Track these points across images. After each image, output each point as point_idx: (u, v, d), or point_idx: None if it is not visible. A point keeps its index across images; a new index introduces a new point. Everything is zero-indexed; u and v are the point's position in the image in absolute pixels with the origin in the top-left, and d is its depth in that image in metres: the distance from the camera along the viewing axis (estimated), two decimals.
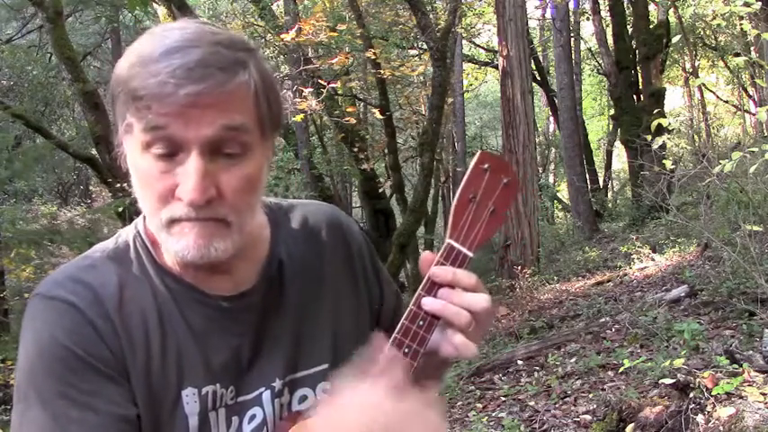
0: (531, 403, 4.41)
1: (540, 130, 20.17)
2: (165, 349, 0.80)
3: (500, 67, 9.50)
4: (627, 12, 13.08)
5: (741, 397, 2.78)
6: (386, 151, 12.17)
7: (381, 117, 11.29)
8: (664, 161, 4.93)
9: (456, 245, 0.80)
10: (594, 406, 3.84)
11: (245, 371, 0.85)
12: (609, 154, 19.04)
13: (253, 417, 0.85)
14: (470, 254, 0.81)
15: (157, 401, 0.79)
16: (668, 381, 3.11)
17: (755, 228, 4.44)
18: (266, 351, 0.86)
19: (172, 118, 0.71)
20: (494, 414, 4.47)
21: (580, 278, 8.53)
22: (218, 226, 0.76)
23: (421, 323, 0.79)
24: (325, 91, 9.07)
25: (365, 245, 1.00)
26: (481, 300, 0.80)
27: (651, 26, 12.35)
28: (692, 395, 2.94)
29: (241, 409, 0.84)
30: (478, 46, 18.94)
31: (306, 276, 0.91)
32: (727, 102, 19.92)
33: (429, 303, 0.80)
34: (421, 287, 0.80)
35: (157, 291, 0.82)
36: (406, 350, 0.79)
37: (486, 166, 0.81)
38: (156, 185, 0.74)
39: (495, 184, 0.82)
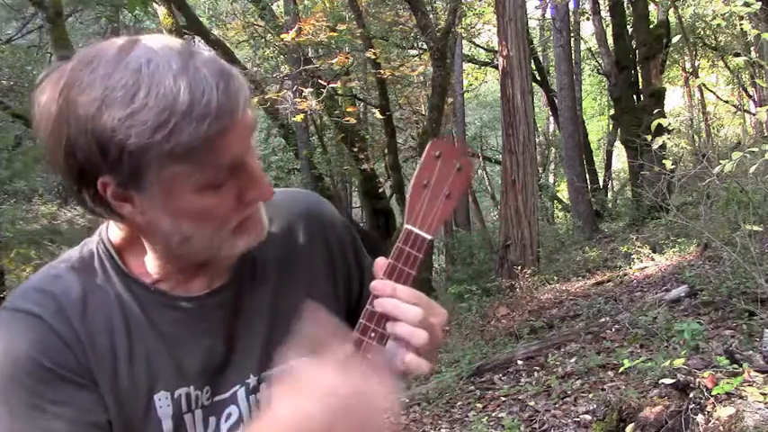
0: (531, 403, 4.41)
1: (540, 130, 20.16)
2: (133, 356, 0.80)
3: (500, 67, 9.49)
4: (627, 12, 13.08)
5: (741, 397, 2.77)
6: (386, 151, 12.17)
7: (381, 117, 11.30)
8: (664, 161, 4.93)
9: (414, 229, 0.83)
10: (594, 406, 3.84)
11: (220, 370, 0.85)
12: (609, 154, 19.04)
13: (229, 415, 0.85)
14: (429, 236, 0.83)
15: (128, 408, 0.79)
16: (668, 381, 3.11)
17: (755, 228, 4.44)
18: (239, 348, 0.86)
19: (239, 145, 0.73)
20: (494, 414, 4.47)
21: (580, 278, 8.53)
22: (261, 206, 0.82)
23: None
24: (325, 91, 9.07)
25: (346, 234, 0.99)
26: (415, 312, 0.78)
27: (651, 26, 12.36)
28: (692, 395, 2.94)
29: (218, 408, 0.84)
30: (478, 46, 18.94)
31: (279, 272, 0.90)
32: (727, 102, 19.91)
33: (390, 328, 0.79)
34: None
35: (122, 298, 0.82)
36: (367, 346, 0.80)
37: (437, 153, 0.84)
38: (221, 208, 0.75)
39: (449, 170, 0.85)
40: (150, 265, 0.83)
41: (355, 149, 10.98)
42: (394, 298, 0.79)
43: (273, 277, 0.90)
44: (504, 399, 4.72)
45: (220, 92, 0.69)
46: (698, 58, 17.53)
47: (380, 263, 0.81)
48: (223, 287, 0.86)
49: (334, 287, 0.95)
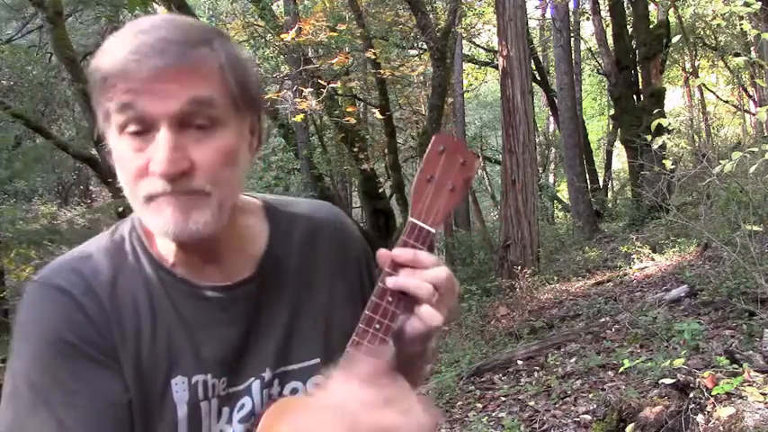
0: (531, 403, 4.41)
1: (540, 130, 20.16)
2: (156, 338, 0.81)
3: (500, 67, 9.49)
4: (627, 12, 13.08)
5: (741, 397, 2.78)
6: (386, 151, 12.16)
7: (381, 117, 11.29)
8: (664, 161, 4.93)
9: (418, 222, 0.84)
10: (594, 406, 3.84)
11: (237, 361, 0.86)
12: (609, 154, 19.04)
13: (242, 406, 0.86)
14: (433, 230, 0.84)
15: (147, 388, 0.80)
16: (668, 381, 3.11)
17: (755, 228, 4.44)
18: (257, 342, 0.87)
19: (138, 94, 0.74)
20: (494, 414, 4.47)
21: (580, 278, 8.53)
22: (196, 198, 0.77)
23: (390, 299, 0.82)
24: (325, 91, 9.07)
25: (363, 249, 1.01)
26: (440, 272, 0.83)
27: (651, 26, 12.35)
28: (692, 395, 2.94)
29: (232, 399, 0.85)
30: (478, 46, 18.94)
31: (302, 275, 0.92)
32: (727, 102, 19.92)
33: (392, 281, 0.82)
34: (387, 266, 0.84)
35: (150, 282, 0.83)
36: (378, 326, 0.82)
37: (441, 148, 0.86)
38: (131, 164, 0.76)
39: (452, 165, 0.86)
40: (159, 244, 0.85)
41: (355, 149, 10.97)
42: (415, 261, 0.82)
43: (295, 278, 0.91)
44: (504, 399, 4.72)
45: (154, 39, 0.74)
46: (698, 58, 17.54)
47: (384, 253, 0.83)
48: (248, 280, 0.87)
49: (352, 294, 0.97)
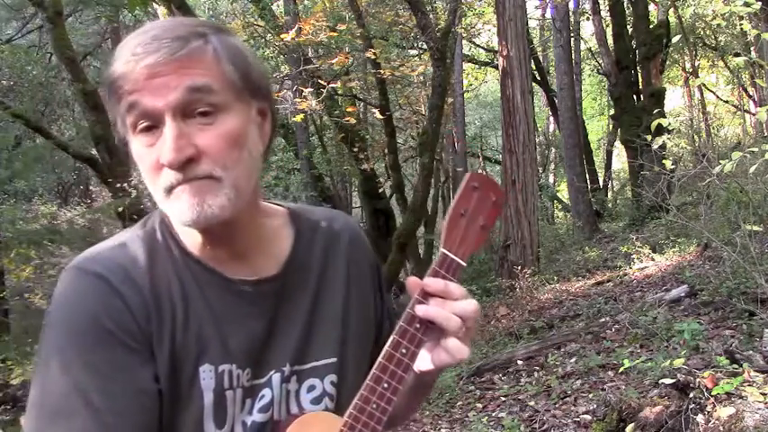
0: (531, 403, 4.41)
1: (540, 130, 20.15)
2: (188, 325, 0.84)
3: (500, 67, 9.49)
4: (627, 12, 13.08)
5: (741, 397, 2.77)
6: (386, 151, 12.16)
7: (381, 117, 11.28)
8: (664, 161, 4.93)
9: (450, 254, 0.88)
10: (594, 406, 3.84)
11: (261, 354, 0.89)
12: (609, 154, 19.03)
13: (262, 397, 0.89)
14: (463, 263, 0.88)
15: (178, 375, 0.82)
16: (668, 381, 3.11)
17: (755, 228, 4.44)
18: (279, 337, 0.90)
19: (140, 92, 0.77)
20: (494, 414, 4.47)
21: (580, 278, 8.52)
22: (207, 183, 0.79)
23: (417, 326, 0.86)
24: (325, 91, 9.06)
25: (373, 257, 1.05)
26: (468, 305, 0.87)
27: (651, 26, 12.34)
28: (692, 395, 2.94)
29: (254, 391, 0.88)
30: (478, 46, 18.92)
31: (321, 279, 0.96)
32: (727, 102, 19.90)
33: (423, 310, 0.85)
34: (417, 294, 0.87)
35: (181, 270, 0.85)
36: (404, 351, 0.85)
37: (475, 185, 0.90)
38: (147, 160, 0.79)
39: (485, 202, 0.90)
40: (185, 240, 0.87)
41: (355, 149, 10.97)
42: (446, 292, 0.86)
43: (315, 281, 0.95)
44: (504, 399, 4.72)
45: (149, 38, 0.77)
46: (698, 58, 17.53)
47: (414, 281, 0.86)
48: (275, 277, 0.91)
49: (366, 300, 1.01)
